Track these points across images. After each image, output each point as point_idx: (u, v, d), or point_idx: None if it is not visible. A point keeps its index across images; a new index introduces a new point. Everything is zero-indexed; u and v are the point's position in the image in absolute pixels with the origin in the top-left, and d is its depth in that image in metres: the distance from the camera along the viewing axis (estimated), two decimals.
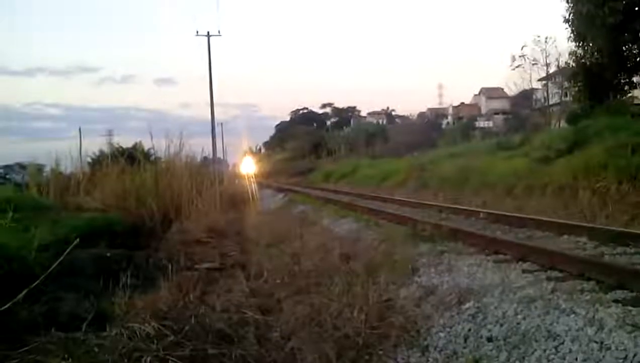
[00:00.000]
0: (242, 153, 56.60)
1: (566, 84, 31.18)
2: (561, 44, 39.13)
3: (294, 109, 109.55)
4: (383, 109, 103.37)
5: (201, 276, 9.28)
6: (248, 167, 46.19)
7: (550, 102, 44.68)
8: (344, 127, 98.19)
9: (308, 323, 6.45)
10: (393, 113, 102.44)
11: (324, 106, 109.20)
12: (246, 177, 37.74)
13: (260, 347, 5.95)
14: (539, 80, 45.54)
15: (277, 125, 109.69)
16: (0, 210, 11.35)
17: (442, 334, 5.78)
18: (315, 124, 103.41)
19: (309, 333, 6.15)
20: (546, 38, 40.45)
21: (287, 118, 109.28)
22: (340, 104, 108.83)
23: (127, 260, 10.27)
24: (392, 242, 10.66)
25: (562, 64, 35.32)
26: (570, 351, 4.62)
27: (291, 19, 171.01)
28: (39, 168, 25.02)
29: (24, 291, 6.17)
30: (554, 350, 4.71)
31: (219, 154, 38.67)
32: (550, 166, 18.56)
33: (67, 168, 25.36)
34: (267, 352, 5.79)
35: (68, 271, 8.54)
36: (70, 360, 5.01)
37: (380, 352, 5.63)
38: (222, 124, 45.12)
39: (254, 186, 29.19)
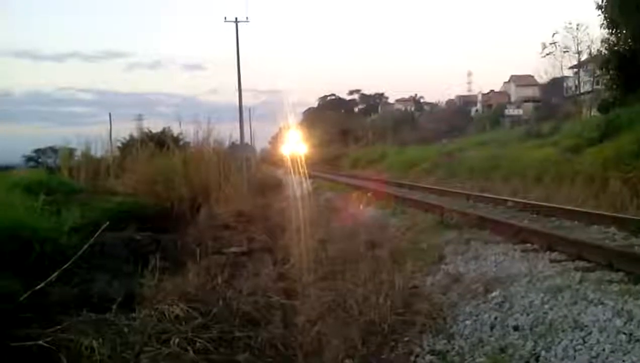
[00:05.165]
0: (283, 129, 42.12)
1: (598, 72, 30.60)
2: (593, 31, 38.45)
3: (321, 96, 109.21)
4: (411, 96, 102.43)
5: (229, 260, 9.35)
6: (293, 146, 31.87)
7: (582, 91, 44.00)
8: (372, 114, 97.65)
9: (334, 309, 6.49)
10: (421, 100, 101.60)
11: (351, 92, 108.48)
12: (289, 160, 26.48)
13: (286, 330, 6.01)
14: (570, 68, 44.89)
15: (305, 111, 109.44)
16: (34, 193, 11.56)
17: (468, 322, 5.77)
18: (343, 111, 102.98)
19: (334, 318, 6.19)
20: (578, 25, 39.78)
21: (315, 104, 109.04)
22: (368, 90, 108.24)
23: (156, 243, 10.40)
24: (419, 229, 10.65)
25: (594, 51, 34.82)
26: (598, 342, 4.60)
27: (320, 4, 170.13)
28: (70, 152, 25.41)
29: (57, 272, 6.30)
30: (581, 341, 4.69)
31: (247, 140, 38.50)
32: (581, 155, 18.34)
33: (97, 152, 25.75)
34: (293, 336, 5.84)
35: (99, 253, 8.69)
36: (100, 340, 5.11)
37: (406, 338, 5.64)
38: (250, 109, 44.58)
39: (303, 171, 21.72)
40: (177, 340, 5.26)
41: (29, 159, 37.45)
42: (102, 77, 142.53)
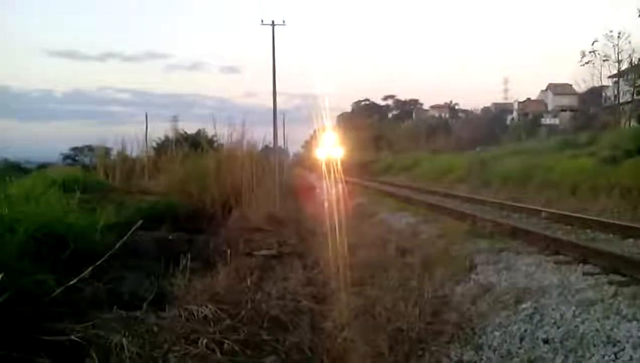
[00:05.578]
0: (317, 133, 40.81)
1: (639, 81, 30.00)
2: (635, 39, 37.86)
3: (355, 100, 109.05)
4: (446, 103, 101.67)
5: (259, 263, 9.41)
6: (327, 150, 30.81)
7: (621, 101, 43.12)
8: (406, 120, 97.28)
9: (362, 315, 6.48)
10: (456, 107, 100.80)
11: (385, 98, 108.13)
12: (323, 164, 25.76)
13: (313, 335, 6.01)
14: (610, 77, 44.09)
15: (338, 116, 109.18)
16: (70, 190, 11.77)
17: (497, 333, 5.71)
18: (376, 116, 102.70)
19: (362, 324, 6.18)
20: (619, 33, 39.12)
21: (349, 109, 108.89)
22: (403, 96, 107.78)
23: (187, 244, 10.50)
24: (450, 238, 10.57)
25: (635, 60, 34.18)
26: (631, 358, 4.51)
27: (357, 9, 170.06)
28: (107, 151, 25.81)
29: (89, 269, 6.40)
30: (613, 356, 4.60)
31: (281, 143, 38.47)
32: (618, 167, 18.00)
33: (132, 151, 26.14)
34: (321, 341, 5.84)
35: (131, 251, 8.80)
36: (130, 337, 5.18)
37: (434, 348, 5.61)
38: (284, 113, 44.58)
39: (336, 175, 20.96)
40: (205, 340, 5.30)
41: (66, 157, 38.07)
42: (141, 78, 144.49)
